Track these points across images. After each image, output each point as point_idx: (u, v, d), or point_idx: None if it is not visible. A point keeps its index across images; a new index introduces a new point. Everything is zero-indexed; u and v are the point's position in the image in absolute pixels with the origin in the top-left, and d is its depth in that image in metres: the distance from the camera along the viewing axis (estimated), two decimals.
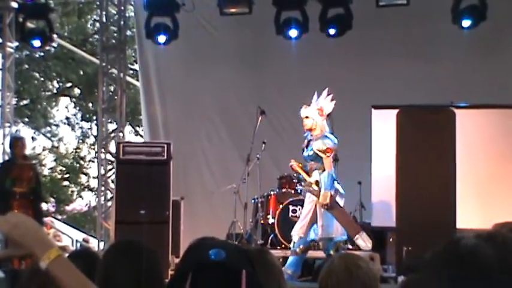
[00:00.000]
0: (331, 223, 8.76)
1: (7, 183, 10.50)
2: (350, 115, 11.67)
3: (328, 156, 8.76)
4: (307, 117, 8.89)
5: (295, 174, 10.81)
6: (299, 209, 10.46)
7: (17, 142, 11.08)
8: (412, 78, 12.13)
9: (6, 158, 12.76)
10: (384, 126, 10.67)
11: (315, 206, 8.79)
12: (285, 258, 9.51)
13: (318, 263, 9.75)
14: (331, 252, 8.71)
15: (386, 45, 12.39)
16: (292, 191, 10.88)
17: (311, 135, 8.89)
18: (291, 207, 10.44)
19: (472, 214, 10.24)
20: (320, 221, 8.76)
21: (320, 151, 8.74)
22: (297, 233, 8.88)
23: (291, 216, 10.35)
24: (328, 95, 8.91)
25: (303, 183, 8.89)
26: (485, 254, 1.29)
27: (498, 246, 1.30)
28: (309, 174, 8.94)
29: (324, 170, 8.75)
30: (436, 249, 1.39)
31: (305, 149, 8.97)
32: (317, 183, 8.77)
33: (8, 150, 12.62)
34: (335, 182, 8.81)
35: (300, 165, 9.05)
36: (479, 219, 10.35)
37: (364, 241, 9.47)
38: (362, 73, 12.37)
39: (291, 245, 9.00)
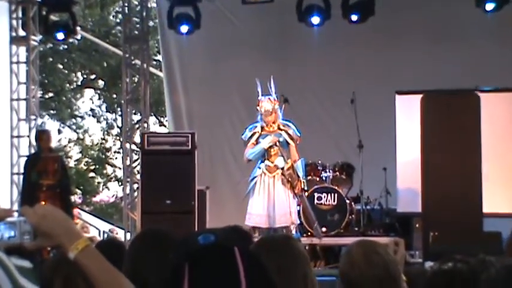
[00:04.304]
0: (295, 209, 9.23)
1: (33, 176, 10.57)
2: (374, 101, 11.63)
3: (297, 145, 9.24)
4: (271, 112, 9.27)
5: (319, 161, 10.81)
6: (324, 197, 10.45)
7: (41, 135, 11.14)
8: (435, 63, 12.04)
9: (33, 151, 12.86)
10: (408, 111, 10.64)
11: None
12: (311, 246, 9.53)
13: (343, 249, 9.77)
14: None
15: (409, 30, 12.31)
16: (317, 179, 10.83)
17: (265, 122, 9.28)
18: (316, 195, 10.37)
19: (498, 198, 10.20)
20: (292, 207, 9.14)
21: (293, 138, 9.21)
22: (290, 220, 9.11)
23: (317, 203, 10.31)
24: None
25: (284, 169, 9.11)
26: None
27: None
28: (269, 158, 9.30)
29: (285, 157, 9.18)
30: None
31: (258, 133, 9.34)
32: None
33: (34, 143, 12.72)
34: None
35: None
36: (506, 203, 10.31)
37: (318, 230, 9.65)
38: (385, 59, 12.30)
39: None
